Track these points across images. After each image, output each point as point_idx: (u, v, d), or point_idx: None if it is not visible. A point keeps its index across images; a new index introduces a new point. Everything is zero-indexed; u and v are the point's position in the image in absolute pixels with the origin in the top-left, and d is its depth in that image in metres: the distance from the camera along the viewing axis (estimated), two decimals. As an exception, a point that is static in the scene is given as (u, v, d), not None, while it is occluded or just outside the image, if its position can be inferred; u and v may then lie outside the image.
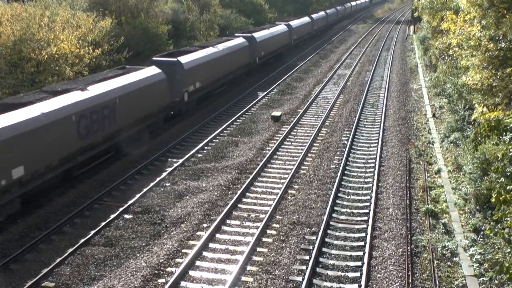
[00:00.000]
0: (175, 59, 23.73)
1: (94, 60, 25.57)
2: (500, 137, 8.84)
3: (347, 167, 18.34)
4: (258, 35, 36.33)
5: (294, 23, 47.94)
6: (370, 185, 16.79)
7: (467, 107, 21.26)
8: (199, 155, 19.77)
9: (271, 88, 31.83)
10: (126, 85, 19.25)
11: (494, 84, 14.56)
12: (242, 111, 26.02)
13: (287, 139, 21.74)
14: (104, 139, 17.94)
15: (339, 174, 17.36)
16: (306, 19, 53.37)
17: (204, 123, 24.03)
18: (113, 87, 18.61)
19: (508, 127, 8.36)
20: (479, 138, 8.82)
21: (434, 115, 24.70)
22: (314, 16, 57.98)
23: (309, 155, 19.82)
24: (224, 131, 22.88)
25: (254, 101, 28.13)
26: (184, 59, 24.30)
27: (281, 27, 43.30)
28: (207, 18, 42.67)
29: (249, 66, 34.43)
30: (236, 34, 35.84)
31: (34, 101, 15.52)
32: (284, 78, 35.01)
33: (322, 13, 64.49)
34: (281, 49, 42.61)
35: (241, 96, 29.47)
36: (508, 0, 13.96)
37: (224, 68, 29.07)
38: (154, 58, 23.96)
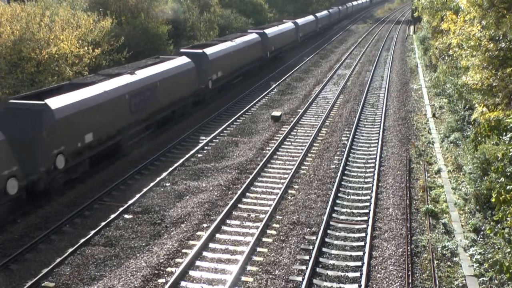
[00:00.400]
0: (201, 51, 26.73)
1: (94, 60, 25.56)
2: (500, 137, 8.84)
3: (347, 167, 18.34)
4: (269, 31, 38.79)
5: (301, 21, 48.90)
6: (370, 185, 16.79)
7: (467, 107, 21.26)
8: (199, 155, 19.77)
9: (271, 88, 31.83)
10: (164, 71, 22.30)
11: (494, 84, 14.56)
12: (242, 111, 26.03)
13: (287, 139, 21.74)
14: (147, 116, 20.83)
15: (339, 174, 17.37)
16: (311, 17, 54.51)
17: (204, 123, 24.03)
18: (155, 72, 21.69)
19: (508, 127, 8.35)
20: (479, 138, 8.82)
21: (434, 115, 24.70)
22: (318, 14, 60.00)
23: (309, 155, 19.82)
24: (224, 131, 22.89)
25: (254, 101, 28.13)
26: (209, 50, 27.23)
27: (288, 25, 45.60)
28: (207, 18, 42.64)
29: (261, 60, 36.83)
30: (249, 31, 38.19)
31: (96, 81, 18.57)
32: (284, 78, 35.01)
33: (325, 12, 66.90)
34: (289, 45, 45.05)
35: (244, 94, 29.51)
36: (508, 0, 13.96)
37: (241, 60, 31.77)
38: (182, 50, 27.49)
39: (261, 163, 18.36)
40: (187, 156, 19.38)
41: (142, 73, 20.82)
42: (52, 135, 15.07)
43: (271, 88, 31.76)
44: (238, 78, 32.67)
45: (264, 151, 20.12)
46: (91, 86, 17.84)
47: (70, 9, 27.92)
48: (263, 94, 29.92)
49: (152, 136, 21.66)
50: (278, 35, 40.87)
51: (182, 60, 24.63)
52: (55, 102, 15.55)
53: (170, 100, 22.53)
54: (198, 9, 41.79)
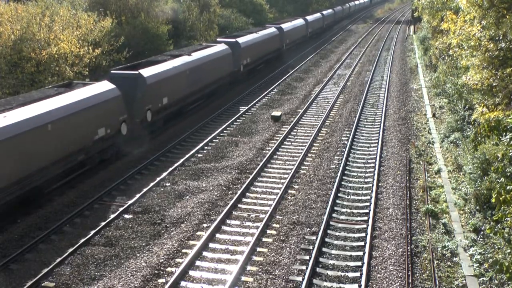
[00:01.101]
0: (234, 40, 32.04)
1: (94, 60, 25.56)
2: (500, 137, 8.83)
3: (347, 167, 18.34)
4: (285, 26, 43.81)
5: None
6: (370, 185, 16.79)
7: (467, 107, 21.26)
8: (199, 155, 19.77)
9: (271, 88, 31.84)
10: (210, 54, 27.55)
11: (494, 84, 14.55)
12: (242, 111, 26.03)
13: (287, 139, 21.74)
14: (199, 89, 25.84)
15: (339, 174, 17.36)
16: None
17: (204, 123, 24.04)
18: (205, 54, 26.99)
19: (508, 127, 8.35)
20: (479, 138, 8.81)
21: (434, 115, 24.70)
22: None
23: (309, 155, 19.82)
24: (224, 131, 22.89)
25: (254, 101, 28.13)
26: (240, 40, 32.58)
27: (299, 21, 49.91)
28: (206, 17, 42.64)
29: (279, 50, 41.90)
30: (267, 26, 43.26)
31: (167, 59, 23.87)
32: (284, 78, 35.02)
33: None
34: (300, 39, 49.70)
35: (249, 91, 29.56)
36: (508, 0, 13.96)
37: (264, 49, 37.36)
38: (218, 39, 33.18)
39: (261, 163, 18.36)
40: (187, 156, 19.38)
41: (196, 55, 26.19)
42: (144, 96, 20.42)
43: (271, 88, 31.77)
44: (261, 65, 37.85)
45: (264, 151, 20.12)
46: (164, 63, 23.10)
47: (70, 9, 27.93)
48: (263, 94, 29.93)
49: (152, 136, 21.69)
50: (293, 30, 46.51)
51: (222, 46, 29.89)
52: (146, 72, 20.88)
53: (214, 77, 27.73)
54: (198, 9, 41.78)
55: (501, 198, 8.02)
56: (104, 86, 18.52)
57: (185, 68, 24.02)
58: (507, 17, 13.63)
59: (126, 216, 14.71)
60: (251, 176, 17.21)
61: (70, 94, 16.90)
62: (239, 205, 15.43)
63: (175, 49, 33.08)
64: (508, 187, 8.09)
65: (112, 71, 20.80)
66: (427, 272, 11.88)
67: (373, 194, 15.84)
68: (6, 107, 14.85)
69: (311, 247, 12.85)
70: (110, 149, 18.54)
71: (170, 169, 18.07)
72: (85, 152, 16.96)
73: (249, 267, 12.10)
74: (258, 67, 37.59)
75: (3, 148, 13.39)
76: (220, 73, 28.71)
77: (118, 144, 18.99)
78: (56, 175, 15.80)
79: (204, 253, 12.71)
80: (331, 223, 14.30)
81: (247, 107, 26.83)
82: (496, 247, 12.37)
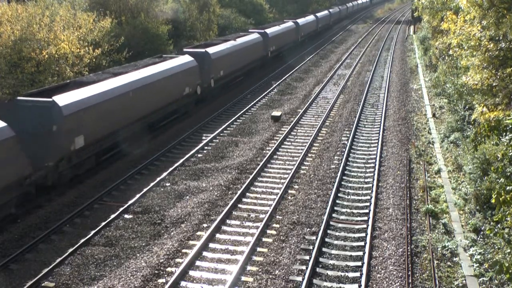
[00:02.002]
0: (263, 30, 38.37)
1: (94, 60, 25.55)
2: (500, 137, 8.84)
3: (347, 167, 18.34)
4: (301, 21, 50.37)
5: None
6: (370, 185, 16.80)
7: (467, 107, 21.26)
8: (199, 155, 19.77)
9: (271, 88, 31.84)
10: (248, 41, 33.89)
11: (494, 84, 14.54)
12: (242, 111, 26.03)
13: (287, 139, 21.74)
14: (241, 68, 32.67)
15: (339, 174, 17.37)
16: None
17: (204, 123, 24.04)
18: (244, 41, 33.30)
19: (508, 128, 8.35)
20: (479, 138, 8.82)
21: (434, 115, 24.71)
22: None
23: (309, 155, 19.83)
24: (224, 131, 22.89)
25: (254, 101, 28.14)
26: (268, 30, 39.05)
27: (310, 17, 56.37)
28: (206, 17, 42.63)
29: (295, 42, 48.15)
30: (285, 20, 49.61)
31: (220, 42, 30.85)
32: (284, 78, 35.02)
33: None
34: (311, 33, 56.15)
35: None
36: (508, 0, 13.95)
37: (286, 40, 43.81)
38: (250, 30, 39.53)
39: (261, 163, 18.36)
40: (187, 156, 19.38)
41: (239, 40, 32.70)
42: (210, 68, 26.97)
43: (271, 88, 31.77)
44: (282, 52, 43.96)
45: (264, 151, 20.12)
46: (220, 44, 29.94)
47: (70, 8, 27.92)
48: (263, 94, 29.93)
49: (152, 136, 21.69)
50: (306, 24, 52.65)
51: (255, 35, 36.15)
52: (211, 51, 27.68)
53: (251, 59, 34.35)
54: (197, 9, 41.76)
55: (501, 199, 8.02)
56: (187, 58, 25.35)
57: (232, 50, 30.59)
58: (507, 17, 13.62)
59: (126, 216, 14.72)
60: (251, 176, 17.21)
61: (166, 62, 23.42)
62: (239, 205, 15.43)
63: (174, 49, 33.22)
64: (508, 188, 8.10)
65: (184, 49, 27.87)
66: (427, 272, 11.88)
67: (373, 194, 15.85)
68: (133, 68, 21.76)
69: (311, 247, 12.86)
70: (190, 103, 25.66)
71: (170, 169, 18.07)
72: (178, 103, 23.87)
73: (249, 267, 12.10)
74: (281, 53, 40.92)
75: (146, 89, 20.57)
76: (254, 56, 33.99)
77: (194, 101, 26.21)
78: (163, 116, 22.88)
79: (204, 253, 12.71)
80: (331, 223, 14.31)
81: (247, 107, 26.83)
82: (496, 247, 12.37)
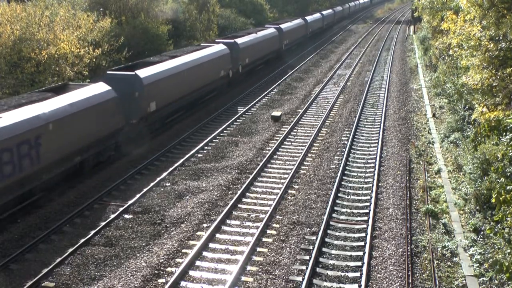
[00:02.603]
0: (278, 26, 42.46)
1: (94, 60, 25.56)
2: (500, 137, 8.84)
3: (347, 167, 18.34)
4: (309, 18, 54.60)
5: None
6: (370, 185, 16.79)
7: (467, 107, 21.25)
8: (199, 155, 19.77)
9: (271, 88, 31.84)
10: (266, 34, 38.52)
11: (494, 84, 14.54)
12: (242, 111, 26.03)
13: (287, 139, 21.74)
14: (261, 58, 37.12)
15: (339, 174, 17.36)
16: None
17: (204, 123, 24.04)
18: (263, 34, 37.80)
19: (508, 128, 8.35)
20: (479, 138, 8.82)
21: (434, 115, 24.71)
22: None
23: (309, 155, 19.82)
24: (224, 131, 22.89)
25: (254, 101, 28.13)
26: (283, 26, 43.40)
27: (317, 15, 60.28)
28: (205, 17, 42.64)
29: (305, 36, 52.31)
30: (295, 17, 52.67)
31: (244, 35, 35.19)
32: (284, 78, 35.02)
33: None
34: (317, 30, 59.18)
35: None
36: (508, 0, 13.95)
37: (297, 34, 48.39)
38: (266, 25, 43.43)
39: (261, 163, 18.36)
40: (187, 156, 19.38)
41: (260, 33, 37.11)
42: (239, 55, 31.58)
43: (271, 88, 31.78)
44: (294, 46, 47.89)
45: (264, 151, 20.12)
46: (243, 37, 33.95)
47: (70, 9, 27.93)
48: (263, 94, 29.93)
49: (152, 136, 21.70)
50: (314, 21, 56.42)
51: (271, 30, 40.31)
52: (240, 41, 32.32)
53: (269, 51, 38.99)
54: (196, 9, 41.76)
55: (501, 199, 8.02)
56: (221, 46, 29.21)
57: (254, 42, 34.96)
58: (507, 17, 13.62)
59: (126, 216, 14.71)
60: (251, 176, 17.21)
61: (206, 49, 27.55)
62: (239, 205, 15.43)
63: (174, 49, 33.23)
64: (508, 187, 8.09)
65: (217, 40, 31.96)
66: (427, 272, 11.88)
67: (373, 194, 15.84)
68: (184, 52, 26.23)
69: (311, 247, 12.85)
70: (224, 84, 29.65)
71: (170, 169, 18.07)
72: (215, 84, 27.94)
73: (249, 267, 12.10)
74: (293, 47, 46.61)
75: (196, 69, 24.90)
76: (271, 48, 39.51)
77: (227, 82, 30.17)
78: (204, 94, 27.13)
79: (204, 253, 12.71)
80: (331, 223, 14.31)
81: (247, 107, 26.83)
82: (496, 247, 12.36)
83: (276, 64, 40.92)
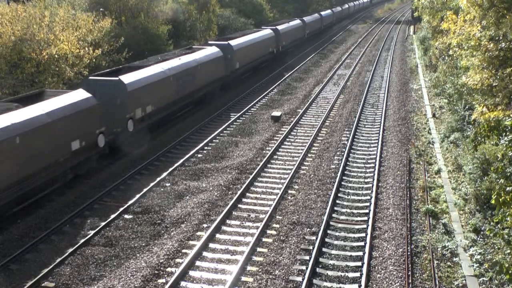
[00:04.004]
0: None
1: (94, 60, 25.55)
2: (500, 137, 8.84)
3: (347, 167, 18.34)
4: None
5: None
6: (370, 185, 16.79)
7: (467, 107, 21.25)
8: (199, 155, 19.77)
9: (271, 88, 31.83)
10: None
11: (494, 84, 14.54)
12: (242, 111, 26.03)
13: (287, 139, 21.74)
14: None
15: (339, 174, 17.36)
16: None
17: (204, 123, 24.04)
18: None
19: (508, 128, 8.35)
20: (479, 138, 8.83)
21: (434, 115, 24.71)
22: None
23: (309, 155, 19.82)
24: (224, 131, 22.89)
25: (254, 101, 28.13)
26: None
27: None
28: (205, 17, 42.63)
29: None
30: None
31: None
32: (284, 78, 35.02)
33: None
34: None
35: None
36: (508, 0, 13.95)
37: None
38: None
39: (261, 163, 18.35)
40: (187, 156, 19.38)
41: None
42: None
43: (271, 88, 31.78)
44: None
45: (264, 151, 20.12)
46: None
47: (70, 9, 27.91)
48: (263, 94, 29.93)
49: (152, 136, 21.69)
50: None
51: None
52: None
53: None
54: (196, 9, 41.77)
55: (500, 200, 8.03)
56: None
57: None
58: (507, 17, 13.62)
59: (126, 216, 14.71)
60: (251, 176, 17.21)
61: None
62: (239, 205, 15.43)
63: (174, 49, 33.24)
64: (507, 188, 8.10)
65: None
66: (427, 272, 11.88)
67: (373, 194, 15.84)
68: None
69: (311, 247, 12.86)
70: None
71: (170, 169, 18.06)
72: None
73: (249, 267, 12.10)
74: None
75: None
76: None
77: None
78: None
79: (204, 253, 12.71)
80: (331, 223, 14.31)
81: (247, 107, 26.83)
82: (496, 247, 12.37)
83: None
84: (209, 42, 31.72)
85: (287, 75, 36.01)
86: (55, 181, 15.93)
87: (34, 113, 14.91)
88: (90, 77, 19.64)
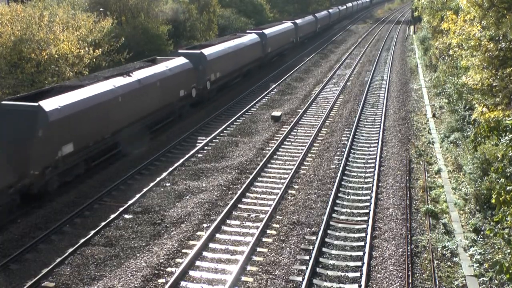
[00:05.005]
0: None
1: (94, 60, 25.55)
2: (500, 137, 8.84)
3: (347, 167, 18.34)
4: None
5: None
6: (370, 185, 16.79)
7: (467, 107, 21.25)
8: (199, 155, 19.77)
9: (271, 88, 31.83)
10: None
11: (494, 84, 14.54)
12: (242, 111, 26.02)
13: (287, 139, 21.74)
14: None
15: (339, 174, 17.36)
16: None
17: (204, 123, 24.04)
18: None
19: (508, 128, 8.36)
20: (479, 138, 8.83)
21: (434, 115, 24.70)
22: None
23: (309, 155, 19.82)
24: (224, 131, 22.88)
25: (254, 101, 28.13)
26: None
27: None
28: (206, 18, 42.62)
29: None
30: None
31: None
32: (284, 78, 35.01)
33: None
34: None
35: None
36: (508, 0, 13.95)
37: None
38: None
39: (261, 163, 18.35)
40: (187, 156, 19.38)
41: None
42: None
43: (271, 88, 31.77)
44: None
45: (264, 151, 20.12)
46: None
47: (70, 9, 27.90)
48: (263, 94, 29.92)
49: (152, 136, 21.69)
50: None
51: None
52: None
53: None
54: (197, 10, 41.76)
55: (501, 199, 8.03)
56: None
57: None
58: (507, 17, 13.61)
59: (126, 216, 14.72)
60: (251, 176, 17.21)
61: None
62: (239, 205, 15.43)
63: (174, 49, 33.27)
64: (508, 188, 8.10)
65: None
66: (427, 272, 11.88)
67: (373, 194, 15.84)
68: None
69: (311, 247, 12.86)
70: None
71: (170, 169, 18.07)
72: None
73: (249, 267, 12.10)
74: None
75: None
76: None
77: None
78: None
79: (204, 253, 12.71)
80: (331, 223, 14.30)
81: (247, 107, 26.83)
82: (496, 247, 12.37)
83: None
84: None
85: (287, 75, 35.97)
86: (170, 115, 23.37)
87: (162, 68, 22.43)
88: (182, 50, 26.29)
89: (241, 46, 32.26)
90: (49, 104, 15.48)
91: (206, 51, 26.37)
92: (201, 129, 23.34)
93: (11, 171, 13.90)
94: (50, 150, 15.34)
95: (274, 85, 32.57)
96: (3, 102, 15.63)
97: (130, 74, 20.32)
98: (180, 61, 24.37)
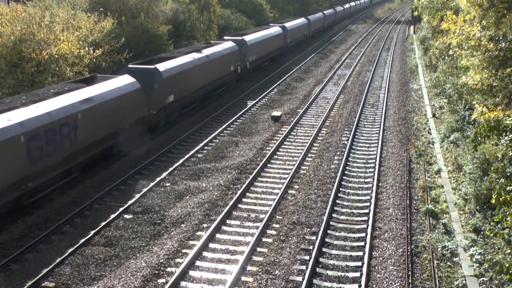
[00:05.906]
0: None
1: (94, 60, 25.55)
2: (500, 137, 8.85)
3: (347, 167, 18.34)
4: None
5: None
6: (370, 185, 16.80)
7: (467, 107, 21.25)
8: (199, 155, 19.77)
9: (271, 88, 31.83)
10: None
11: (494, 84, 14.55)
12: (242, 111, 26.03)
13: (287, 139, 21.74)
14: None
15: (339, 174, 17.37)
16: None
17: (204, 123, 24.04)
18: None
19: (508, 128, 8.36)
20: (479, 138, 8.84)
21: (434, 115, 24.71)
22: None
23: (309, 155, 19.82)
24: (224, 131, 22.89)
25: (254, 101, 28.14)
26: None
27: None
28: (206, 18, 42.61)
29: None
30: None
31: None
32: (284, 78, 35.01)
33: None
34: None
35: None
36: (508, 0, 13.96)
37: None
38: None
39: (261, 163, 18.36)
40: (187, 156, 19.38)
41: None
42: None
43: (271, 88, 31.78)
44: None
45: (264, 151, 20.12)
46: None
47: (70, 9, 27.89)
48: (263, 94, 29.93)
49: (152, 136, 21.70)
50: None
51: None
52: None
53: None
54: (197, 10, 41.75)
55: (501, 199, 8.04)
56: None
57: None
58: (507, 17, 13.62)
59: (126, 216, 14.72)
60: (251, 176, 17.21)
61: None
62: (239, 205, 15.43)
63: (174, 49, 33.25)
64: (508, 188, 8.10)
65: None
66: (427, 272, 11.89)
67: (373, 194, 15.85)
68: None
69: (311, 247, 12.86)
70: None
71: (170, 169, 18.07)
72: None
73: (249, 267, 12.10)
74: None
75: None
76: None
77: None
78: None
79: (204, 253, 12.71)
80: (331, 223, 14.31)
81: (247, 107, 26.84)
82: (496, 247, 12.37)
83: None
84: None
85: (287, 75, 35.97)
86: (223, 86, 29.71)
87: (220, 48, 29.07)
88: (228, 37, 33.72)
89: (267, 37, 38.55)
90: (162, 67, 22.60)
91: (247, 38, 33.80)
92: (201, 129, 23.34)
93: (145, 107, 21.01)
94: (162, 97, 22.31)
95: (274, 85, 32.57)
96: (132, 66, 22.44)
97: (201, 51, 27.06)
98: (229, 44, 30.91)
